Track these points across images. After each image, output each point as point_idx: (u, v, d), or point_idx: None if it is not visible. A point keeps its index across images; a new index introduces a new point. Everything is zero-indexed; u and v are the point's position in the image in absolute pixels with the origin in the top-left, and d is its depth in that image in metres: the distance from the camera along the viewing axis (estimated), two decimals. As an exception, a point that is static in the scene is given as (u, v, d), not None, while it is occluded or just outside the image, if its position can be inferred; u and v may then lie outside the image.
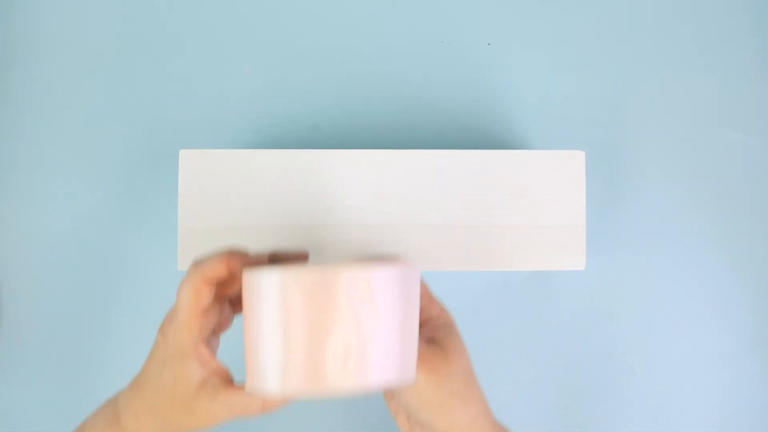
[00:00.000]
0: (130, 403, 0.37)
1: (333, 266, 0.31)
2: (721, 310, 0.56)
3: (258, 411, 0.36)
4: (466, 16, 0.57)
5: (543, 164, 0.50)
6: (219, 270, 0.35)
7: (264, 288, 0.32)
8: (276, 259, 0.40)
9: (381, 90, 0.57)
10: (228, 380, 0.36)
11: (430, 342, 0.38)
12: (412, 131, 0.56)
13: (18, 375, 0.55)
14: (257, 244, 0.49)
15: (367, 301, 0.31)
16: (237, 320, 0.39)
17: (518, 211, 0.50)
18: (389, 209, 0.50)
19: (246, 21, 0.57)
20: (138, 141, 0.56)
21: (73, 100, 0.56)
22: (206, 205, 0.50)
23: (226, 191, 0.50)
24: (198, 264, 0.36)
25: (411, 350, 0.34)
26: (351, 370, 0.30)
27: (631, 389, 0.56)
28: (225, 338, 0.40)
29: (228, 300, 0.39)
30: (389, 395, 0.42)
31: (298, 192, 0.49)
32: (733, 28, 0.58)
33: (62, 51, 0.57)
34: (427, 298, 0.40)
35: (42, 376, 0.55)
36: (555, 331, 0.55)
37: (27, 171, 0.55)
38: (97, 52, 0.57)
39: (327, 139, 0.56)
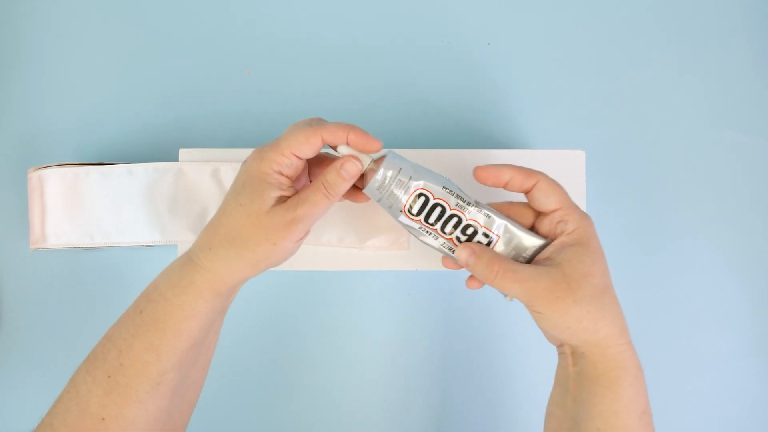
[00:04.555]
0: (203, 240, 0.39)
1: None
2: (721, 310, 0.56)
3: (327, 199, 0.38)
4: (466, 16, 0.58)
5: (543, 164, 0.50)
6: (338, 136, 0.38)
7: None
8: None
9: (381, 90, 0.57)
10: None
11: (556, 264, 0.38)
12: (412, 131, 0.56)
13: (18, 375, 0.55)
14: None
15: None
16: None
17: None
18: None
19: (246, 21, 0.57)
20: (138, 141, 0.56)
21: (74, 99, 0.56)
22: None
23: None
24: (321, 122, 0.38)
25: None
26: None
27: (631, 389, 0.56)
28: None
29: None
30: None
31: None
32: (733, 29, 0.58)
33: (63, 50, 0.57)
34: (566, 210, 0.40)
35: (42, 376, 0.55)
36: (555, 331, 0.55)
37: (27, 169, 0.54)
38: (97, 52, 0.57)
39: (327, 139, 0.56)
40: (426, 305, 0.56)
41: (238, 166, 0.49)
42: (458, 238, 0.41)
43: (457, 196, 0.40)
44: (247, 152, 0.50)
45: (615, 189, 0.57)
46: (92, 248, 0.51)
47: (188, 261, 0.39)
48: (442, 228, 0.41)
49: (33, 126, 0.56)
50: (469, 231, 0.40)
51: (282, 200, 0.38)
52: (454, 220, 0.40)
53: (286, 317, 0.55)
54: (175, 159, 0.50)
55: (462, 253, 0.40)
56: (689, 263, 0.56)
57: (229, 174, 0.49)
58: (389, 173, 0.40)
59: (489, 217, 0.40)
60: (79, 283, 0.55)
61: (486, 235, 0.40)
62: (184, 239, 0.50)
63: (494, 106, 0.57)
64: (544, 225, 0.41)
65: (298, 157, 0.38)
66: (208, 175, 0.49)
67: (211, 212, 0.49)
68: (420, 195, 0.40)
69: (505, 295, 0.40)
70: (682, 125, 0.57)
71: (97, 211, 0.50)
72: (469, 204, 0.40)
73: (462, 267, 0.41)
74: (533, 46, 0.57)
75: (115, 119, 0.56)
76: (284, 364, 0.55)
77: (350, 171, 0.39)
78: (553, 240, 0.41)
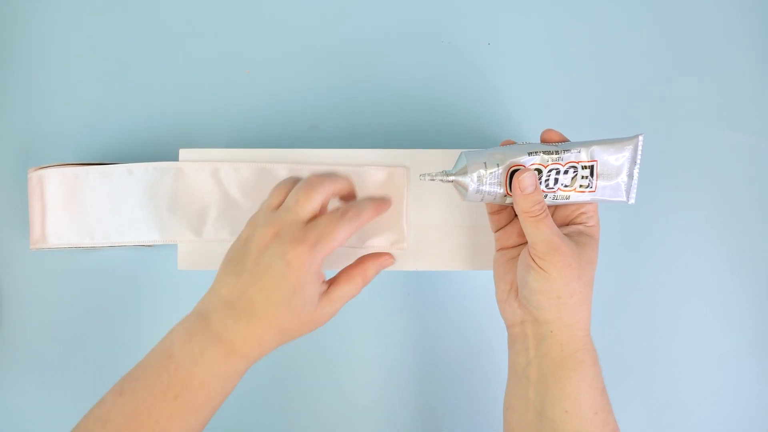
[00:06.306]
0: (251, 334, 0.39)
1: None
2: (721, 310, 0.56)
3: (361, 288, 0.43)
4: (466, 16, 0.58)
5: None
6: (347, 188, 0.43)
7: None
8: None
9: (381, 90, 0.57)
10: (327, 282, 0.42)
11: (575, 242, 0.42)
12: (412, 131, 0.56)
13: (18, 375, 0.55)
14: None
15: None
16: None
17: (518, 211, 0.50)
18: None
19: (246, 21, 0.57)
20: (138, 141, 0.56)
21: (74, 99, 0.56)
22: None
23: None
24: (353, 214, 0.40)
25: None
26: None
27: (632, 389, 0.56)
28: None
29: None
30: (502, 264, 0.45)
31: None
32: (733, 29, 0.58)
33: (63, 50, 0.57)
34: (594, 207, 0.44)
35: (42, 377, 0.55)
36: (555, 331, 0.55)
37: (27, 169, 0.54)
38: (97, 52, 0.57)
39: (327, 139, 0.56)
40: (426, 305, 0.56)
41: (238, 166, 0.49)
42: (565, 185, 0.42)
43: (546, 152, 0.42)
44: (247, 152, 0.50)
45: (615, 189, 0.57)
46: (92, 248, 0.51)
47: (232, 352, 0.39)
48: (548, 188, 0.42)
49: (33, 126, 0.56)
50: (571, 173, 0.42)
51: (324, 287, 0.41)
52: (554, 173, 0.42)
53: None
54: (175, 159, 0.50)
55: (528, 178, 0.41)
56: (689, 263, 0.56)
57: (229, 174, 0.49)
58: (476, 174, 0.41)
59: (579, 152, 0.42)
60: (80, 283, 0.55)
61: (585, 167, 0.42)
62: (184, 239, 0.50)
63: (494, 105, 0.57)
64: (569, 208, 0.44)
65: None
66: (208, 174, 0.49)
67: (212, 212, 0.49)
68: (513, 173, 0.41)
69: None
70: (682, 125, 0.57)
71: (97, 211, 0.50)
72: (557, 152, 0.42)
73: (512, 194, 0.41)
74: (533, 46, 0.57)
75: (115, 119, 0.56)
76: (282, 363, 0.55)
77: (388, 266, 0.45)
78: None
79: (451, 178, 0.42)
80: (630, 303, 0.56)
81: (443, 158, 0.50)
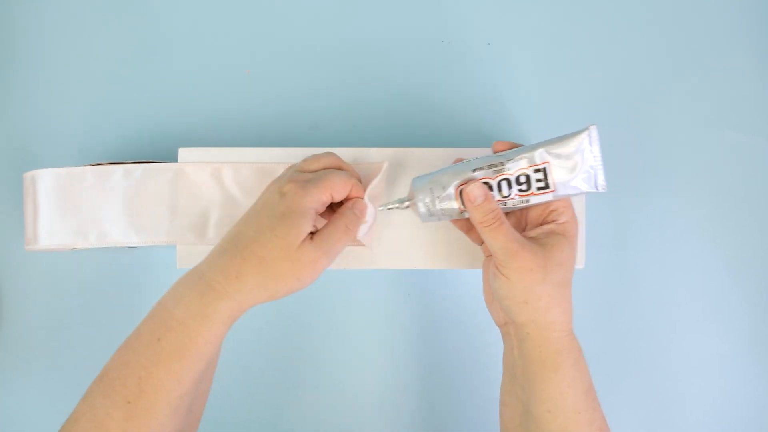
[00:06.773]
0: (227, 266, 0.38)
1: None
2: (721, 311, 0.56)
3: (347, 236, 0.41)
4: (466, 16, 0.58)
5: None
6: (360, 191, 0.44)
7: None
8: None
9: (381, 90, 0.57)
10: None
11: (541, 245, 0.41)
12: (412, 131, 0.56)
13: (17, 375, 0.55)
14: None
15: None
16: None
17: (518, 211, 0.50)
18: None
19: (246, 21, 0.57)
20: (138, 141, 0.56)
21: (74, 99, 0.56)
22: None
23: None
24: (352, 173, 0.44)
25: None
26: None
27: (630, 389, 0.56)
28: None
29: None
30: (488, 269, 0.45)
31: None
32: (733, 29, 0.58)
33: (63, 50, 0.57)
34: (564, 203, 0.43)
35: (41, 376, 0.55)
36: (555, 331, 0.55)
37: (27, 169, 0.54)
38: (97, 52, 0.57)
39: (327, 139, 0.56)
40: (425, 305, 0.56)
41: (238, 167, 0.49)
42: (521, 190, 0.42)
43: (490, 166, 0.42)
44: (246, 151, 0.50)
45: (614, 188, 0.57)
46: (91, 249, 0.51)
47: (209, 288, 0.38)
48: (503, 196, 0.42)
49: (33, 125, 0.56)
50: (522, 179, 0.42)
51: (309, 236, 0.40)
52: (504, 183, 0.42)
53: (286, 316, 0.56)
54: (175, 159, 0.50)
55: (475, 190, 0.41)
56: (689, 263, 0.56)
57: (230, 174, 0.49)
58: (426, 200, 0.43)
59: (523, 159, 0.42)
60: (79, 282, 0.55)
61: (537, 170, 0.42)
62: (187, 241, 0.49)
63: (494, 105, 0.57)
64: (538, 208, 0.44)
65: (332, 199, 0.41)
66: (208, 175, 0.49)
67: (212, 213, 0.49)
68: (461, 192, 0.42)
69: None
70: (682, 125, 0.57)
71: (93, 212, 0.50)
72: (502, 164, 0.42)
73: (465, 209, 0.42)
74: (533, 46, 0.57)
75: (115, 119, 0.56)
76: (282, 362, 0.55)
77: (362, 209, 0.43)
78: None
79: (406, 204, 0.44)
80: (628, 304, 0.56)
81: (442, 156, 0.50)
